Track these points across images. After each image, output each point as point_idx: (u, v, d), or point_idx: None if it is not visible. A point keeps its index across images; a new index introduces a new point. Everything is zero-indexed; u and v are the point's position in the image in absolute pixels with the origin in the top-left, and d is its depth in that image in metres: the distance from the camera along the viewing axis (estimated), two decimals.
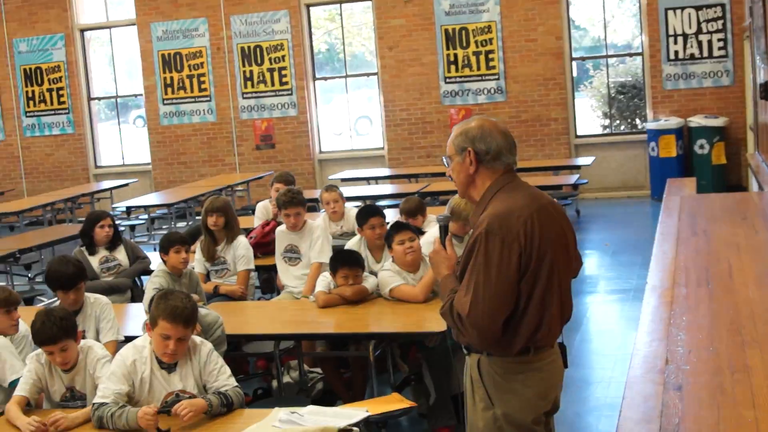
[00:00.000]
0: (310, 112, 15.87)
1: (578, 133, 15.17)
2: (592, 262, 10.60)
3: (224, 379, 4.29)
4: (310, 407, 4.19)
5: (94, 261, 7.30)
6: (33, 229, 13.23)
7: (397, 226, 6.02)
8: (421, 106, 15.28)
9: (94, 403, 4.15)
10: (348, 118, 16.81)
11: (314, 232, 7.06)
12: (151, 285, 6.17)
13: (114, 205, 14.39)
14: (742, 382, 3.52)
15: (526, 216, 3.27)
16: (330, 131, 16.54)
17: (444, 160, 3.51)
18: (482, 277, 3.21)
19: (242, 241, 7.11)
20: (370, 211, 6.69)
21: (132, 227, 13.51)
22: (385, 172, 14.89)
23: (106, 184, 15.83)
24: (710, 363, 3.76)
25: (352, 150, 16.43)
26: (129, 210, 13.15)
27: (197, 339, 4.43)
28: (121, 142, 17.77)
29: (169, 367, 4.29)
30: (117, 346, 5.17)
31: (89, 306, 5.44)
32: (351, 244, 6.71)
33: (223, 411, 4.17)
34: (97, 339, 5.36)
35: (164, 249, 6.28)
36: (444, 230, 3.57)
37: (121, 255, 7.38)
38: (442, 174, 13.20)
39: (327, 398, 5.99)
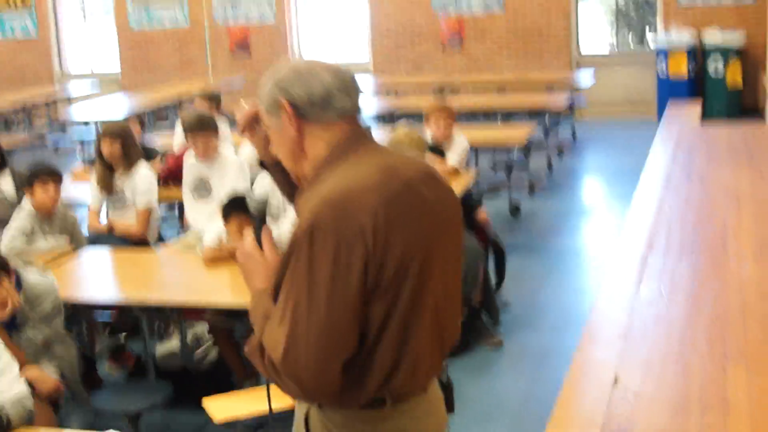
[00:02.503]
0: (288, 17, 14.50)
1: (582, 49, 13.74)
2: (578, 196, 9.43)
3: (6, 383, 3.16)
4: None
5: None
6: None
7: None
8: (409, 15, 13.88)
9: None
10: (329, 26, 15.37)
11: (228, 164, 5.87)
12: (9, 230, 5.02)
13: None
14: (713, 428, 2.35)
15: (377, 199, 2.05)
16: (310, 39, 15.08)
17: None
18: (305, 298, 1.99)
19: (143, 171, 5.90)
20: None
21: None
22: (369, 85, 13.48)
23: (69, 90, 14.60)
24: (674, 390, 2.58)
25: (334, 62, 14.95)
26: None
27: None
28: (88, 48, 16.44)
29: None
30: None
31: None
32: (261, 182, 5.45)
33: None
34: None
35: (28, 182, 5.12)
36: (260, 221, 2.29)
37: (5, 183, 6.17)
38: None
39: (219, 372, 4.88)
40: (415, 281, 2.08)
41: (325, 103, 2.14)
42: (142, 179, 5.86)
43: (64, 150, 12.82)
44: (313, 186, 2.13)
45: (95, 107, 11.79)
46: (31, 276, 3.97)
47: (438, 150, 6.09)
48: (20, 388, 3.17)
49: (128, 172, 5.87)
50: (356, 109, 2.20)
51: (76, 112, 11.87)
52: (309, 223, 2.01)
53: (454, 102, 10.59)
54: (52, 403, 3.88)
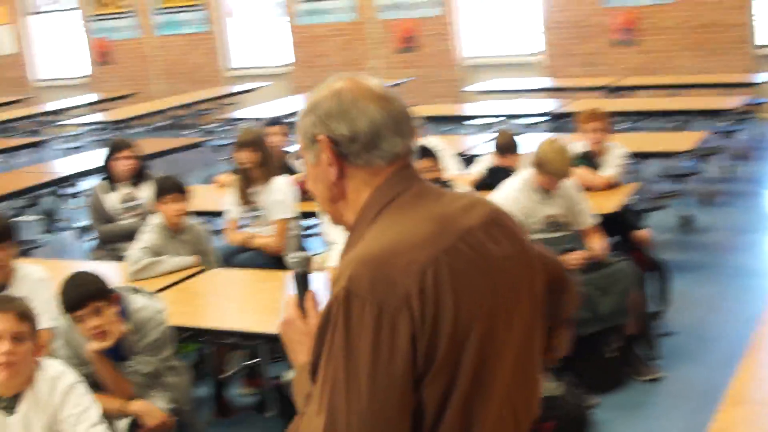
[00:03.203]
0: (454, 10, 14.11)
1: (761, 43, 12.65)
2: (760, 207, 8.61)
3: (84, 428, 2.94)
4: None
5: (114, 198, 6.05)
6: (153, 135, 12.34)
7: None
8: (576, 7, 13.21)
9: None
10: (497, 19, 14.82)
11: None
12: (137, 243, 4.87)
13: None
14: None
15: (426, 257, 1.66)
16: (476, 33, 14.56)
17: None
18: (343, 381, 1.61)
19: (280, 181, 5.66)
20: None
21: None
22: (544, 82, 12.79)
23: (238, 88, 14.70)
24: None
25: (502, 56, 14.44)
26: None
27: (55, 366, 3.07)
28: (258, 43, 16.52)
29: (8, 406, 2.96)
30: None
31: (19, 281, 4.16)
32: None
33: None
34: None
35: (157, 196, 4.97)
36: (302, 281, 1.89)
37: (145, 193, 6.06)
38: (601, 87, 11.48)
39: None
40: (476, 356, 1.68)
41: (372, 143, 1.77)
42: (279, 190, 5.63)
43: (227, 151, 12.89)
44: (353, 242, 1.77)
45: (262, 107, 11.76)
46: (138, 302, 3.77)
47: (590, 161, 5.59)
48: None
49: (266, 183, 5.65)
50: (408, 153, 1.82)
51: (244, 111, 11.86)
52: (344, 288, 1.64)
53: (623, 103, 10.00)
54: None
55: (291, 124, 7.28)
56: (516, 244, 1.83)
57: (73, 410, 3.00)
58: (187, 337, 4.24)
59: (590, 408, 4.47)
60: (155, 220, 4.96)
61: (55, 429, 2.98)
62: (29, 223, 8.21)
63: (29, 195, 7.91)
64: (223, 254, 5.60)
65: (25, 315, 2.98)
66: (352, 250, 1.72)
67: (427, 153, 5.13)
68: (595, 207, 5.25)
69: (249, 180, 5.68)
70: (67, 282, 3.55)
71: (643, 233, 5.51)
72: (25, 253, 7.05)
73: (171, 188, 4.91)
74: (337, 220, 1.87)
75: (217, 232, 6.16)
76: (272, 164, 5.69)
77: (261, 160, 5.60)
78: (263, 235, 5.64)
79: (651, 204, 7.29)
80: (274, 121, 6.90)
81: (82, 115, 13.70)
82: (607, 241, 5.13)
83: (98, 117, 13.07)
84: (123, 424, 3.66)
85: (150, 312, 3.75)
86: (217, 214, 6.10)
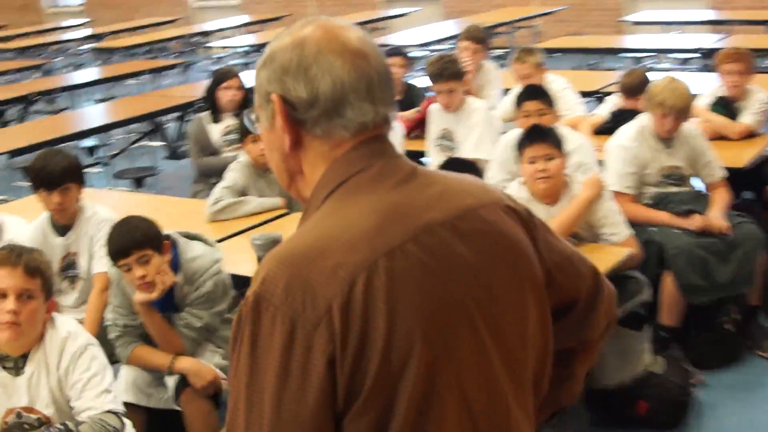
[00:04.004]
0: None
1: None
2: None
3: (91, 397, 2.73)
4: None
5: (216, 130, 5.86)
6: None
7: (533, 134, 3.98)
8: None
9: None
10: None
11: (473, 115, 5.16)
12: (220, 183, 4.65)
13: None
14: None
15: (359, 260, 1.30)
16: None
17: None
18: (244, 402, 1.30)
19: None
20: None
21: None
22: (706, 15, 11.83)
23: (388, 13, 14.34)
24: None
25: None
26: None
27: (67, 325, 2.86)
28: None
29: (16, 366, 2.78)
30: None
31: (84, 222, 4.04)
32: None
33: None
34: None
35: (242, 135, 4.75)
36: None
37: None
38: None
39: None
40: (419, 390, 1.30)
41: (334, 109, 1.38)
42: None
43: None
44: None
45: (411, 32, 11.39)
46: (194, 251, 3.54)
47: (728, 107, 4.99)
48: (106, 405, 2.73)
49: None
50: (381, 124, 1.42)
51: (392, 37, 11.50)
52: (255, 292, 1.31)
53: None
54: (211, 397, 3.48)
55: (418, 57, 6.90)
56: (505, 244, 1.43)
57: (82, 375, 2.78)
58: None
59: (693, 387, 4.01)
60: (242, 158, 4.73)
61: (62, 393, 2.79)
62: (153, 148, 8.18)
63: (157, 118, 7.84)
64: None
65: (35, 270, 2.75)
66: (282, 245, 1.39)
67: (537, 93, 4.68)
68: (726, 159, 4.68)
69: None
70: (114, 227, 3.35)
71: None
72: (139, 183, 7.04)
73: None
74: (300, 199, 1.50)
75: None
76: None
77: None
78: None
79: None
80: (395, 51, 6.52)
81: (230, 37, 13.70)
82: (733, 198, 4.58)
83: (248, 39, 12.99)
84: (171, 381, 3.49)
85: (205, 262, 3.51)
86: None
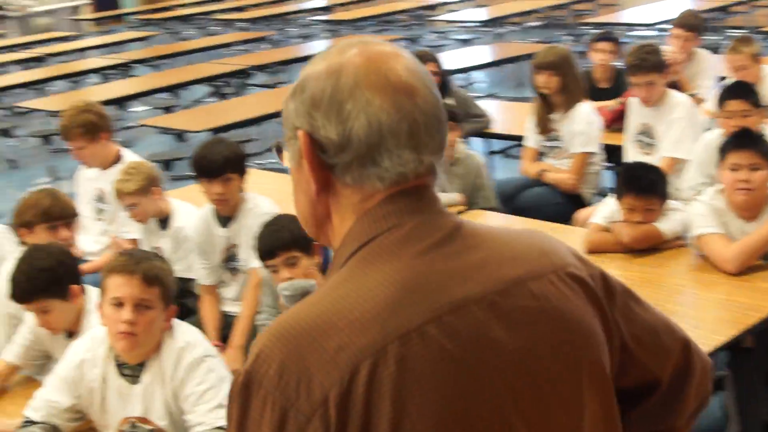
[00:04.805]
0: None
1: None
2: None
3: (203, 412, 2.61)
4: None
5: None
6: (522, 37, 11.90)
7: (740, 139, 3.62)
8: None
9: (24, 421, 2.76)
10: None
11: (675, 110, 4.82)
12: None
13: None
14: None
15: (365, 345, 1.09)
16: None
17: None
18: None
19: (583, 110, 5.06)
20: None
21: None
22: None
23: None
24: None
25: None
26: None
27: (187, 335, 2.73)
28: None
29: (133, 374, 2.71)
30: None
31: (245, 213, 3.94)
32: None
33: None
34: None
35: None
36: None
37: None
38: None
39: None
40: None
41: (368, 156, 1.17)
42: (582, 119, 5.03)
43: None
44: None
45: (641, 10, 10.86)
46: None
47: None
48: (218, 421, 2.60)
49: (567, 110, 5.09)
50: (423, 173, 1.19)
51: (624, 14, 10.99)
52: (247, 371, 1.14)
53: None
54: None
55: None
56: (558, 325, 1.20)
57: (196, 387, 2.62)
58: None
59: None
60: None
61: (176, 405, 2.68)
62: None
63: None
64: (514, 186, 5.19)
65: (153, 279, 2.60)
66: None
67: (742, 92, 4.29)
68: None
69: (549, 106, 5.16)
70: (264, 227, 3.25)
71: None
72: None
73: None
74: (328, 247, 1.31)
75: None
76: (577, 90, 5.09)
77: (562, 85, 5.03)
78: (560, 169, 5.13)
79: None
80: (604, 36, 6.20)
81: (457, 11, 13.62)
82: None
83: (477, 14, 12.85)
84: None
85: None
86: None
